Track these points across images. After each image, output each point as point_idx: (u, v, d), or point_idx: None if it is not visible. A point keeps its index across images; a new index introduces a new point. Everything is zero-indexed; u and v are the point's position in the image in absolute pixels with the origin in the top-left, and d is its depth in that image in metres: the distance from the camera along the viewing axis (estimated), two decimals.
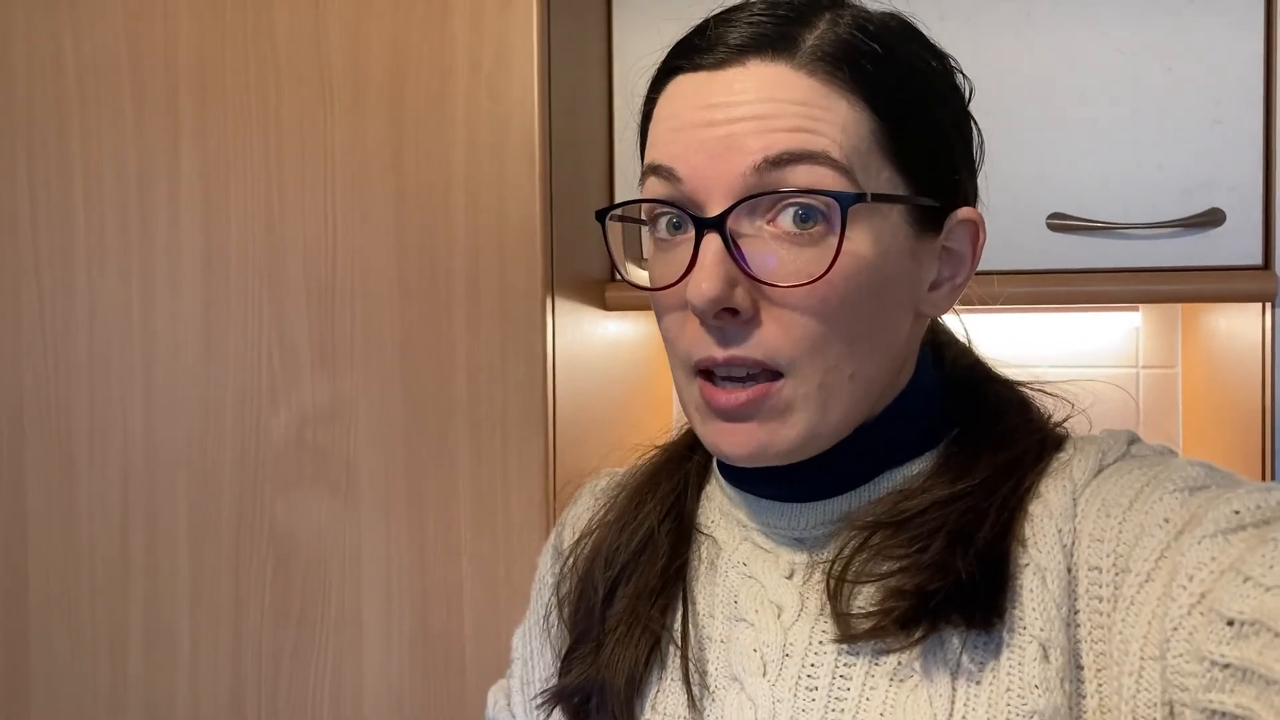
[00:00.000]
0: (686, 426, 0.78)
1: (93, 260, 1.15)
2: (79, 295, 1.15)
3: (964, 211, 0.64)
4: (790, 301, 0.58)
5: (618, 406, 1.28)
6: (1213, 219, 1.09)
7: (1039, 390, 0.69)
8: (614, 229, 0.67)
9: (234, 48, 1.11)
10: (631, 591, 0.69)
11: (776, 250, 0.58)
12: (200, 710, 1.12)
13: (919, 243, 0.62)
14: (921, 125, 0.62)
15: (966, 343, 0.72)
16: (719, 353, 0.59)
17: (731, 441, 0.61)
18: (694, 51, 0.61)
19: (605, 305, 1.23)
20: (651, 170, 0.61)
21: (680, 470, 0.74)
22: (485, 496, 1.06)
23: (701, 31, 0.62)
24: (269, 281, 1.10)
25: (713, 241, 0.58)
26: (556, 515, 1.05)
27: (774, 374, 0.59)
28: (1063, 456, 0.63)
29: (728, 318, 0.58)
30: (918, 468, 0.65)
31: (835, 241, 0.57)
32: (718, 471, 0.73)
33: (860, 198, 0.57)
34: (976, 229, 0.65)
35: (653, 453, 0.78)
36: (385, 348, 1.08)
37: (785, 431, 0.60)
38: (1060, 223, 1.12)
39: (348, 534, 1.09)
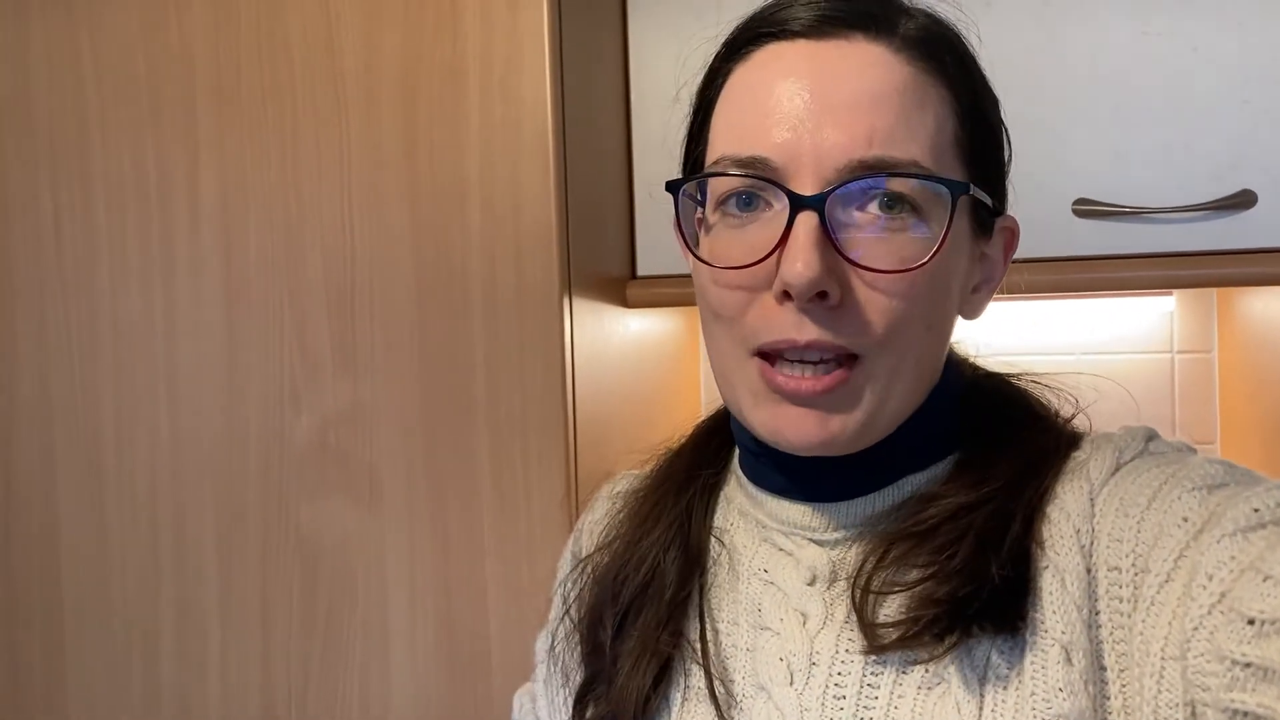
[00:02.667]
0: (695, 432, 0.77)
1: (115, 271, 1.16)
2: (103, 307, 1.16)
3: (1007, 219, 0.65)
4: (881, 286, 0.57)
5: (641, 405, 1.27)
6: (1244, 201, 1.06)
7: (1034, 382, 0.68)
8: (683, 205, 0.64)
9: (248, 56, 1.11)
10: (640, 627, 0.68)
11: (869, 236, 0.57)
12: (232, 712, 1.13)
13: (974, 244, 0.63)
14: (986, 127, 0.62)
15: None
16: (801, 336, 0.57)
17: (797, 429, 0.59)
18: (785, 20, 0.60)
19: (627, 303, 1.22)
20: (733, 162, 0.59)
21: (687, 491, 0.72)
22: (507, 498, 1.06)
23: (785, 4, 0.61)
24: (288, 288, 1.11)
25: (809, 220, 0.56)
26: (578, 515, 1.05)
27: (850, 356, 0.58)
28: (1079, 456, 0.62)
29: (816, 301, 0.57)
30: (937, 471, 0.64)
31: (937, 231, 0.57)
32: (739, 471, 0.72)
33: (966, 187, 0.58)
34: (1013, 236, 0.66)
35: (659, 461, 0.77)
36: (404, 351, 1.08)
37: (852, 417, 0.59)
38: (1086, 208, 1.10)
39: (371, 537, 1.09)
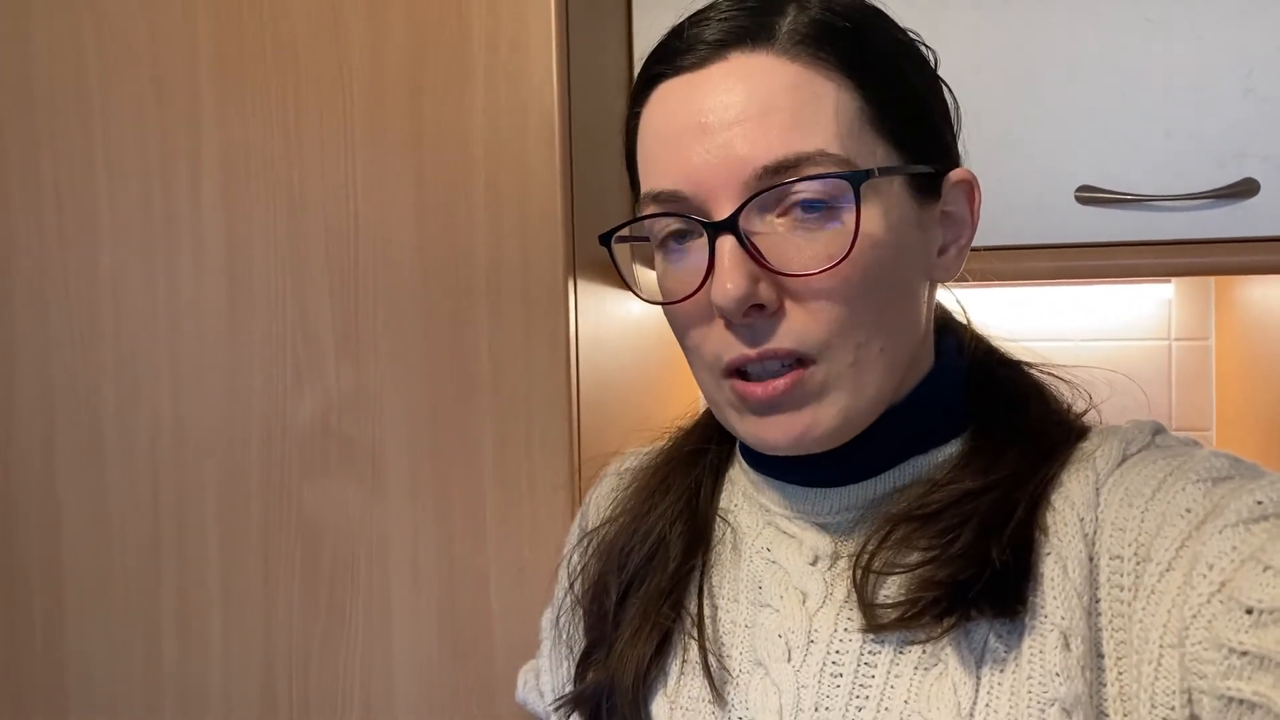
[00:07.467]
0: (705, 411, 0.78)
1: (117, 251, 1.15)
2: (104, 286, 1.16)
3: (957, 173, 0.65)
4: (813, 287, 0.58)
5: (643, 387, 1.28)
6: (1246, 189, 1.07)
7: (1048, 374, 0.69)
8: (621, 249, 0.67)
9: (252, 36, 1.11)
10: (643, 595, 0.69)
11: (791, 241, 0.59)
12: (233, 694, 1.14)
13: (922, 211, 0.63)
14: (904, 95, 0.62)
15: (968, 324, 0.72)
16: (751, 349, 0.59)
17: (774, 434, 0.61)
18: (673, 55, 0.62)
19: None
20: (653, 198, 0.62)
21: (695, 466, 0.74)
22: (510, 480, 1.06)
23: (678, 34, 0.63)
24: (291, 269, 1.11)
25: (728, 242, 0.58)
26: (582, 497, 1.05)
27: (806, 361, 0.59)
28: (1086, 446, 0.62)
29: (755, 315, 0.59)
30: (943, 455, 0.65)
31: (850, 222, 0.58)
32: (741, 457, 0.73)
33: (868, 174, 0.58)
34: (972, 189, 0.66)
35: (670, 437, 0.78)
36: (408, 334, 1.08)
37: (824, 413, 0.60)
38: (1089, 195, 1.10)
39: (374, 519, 1.10)
